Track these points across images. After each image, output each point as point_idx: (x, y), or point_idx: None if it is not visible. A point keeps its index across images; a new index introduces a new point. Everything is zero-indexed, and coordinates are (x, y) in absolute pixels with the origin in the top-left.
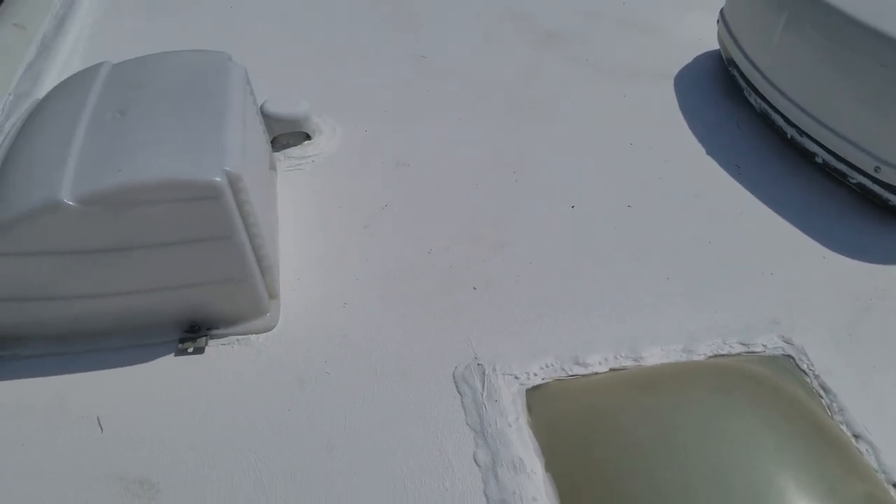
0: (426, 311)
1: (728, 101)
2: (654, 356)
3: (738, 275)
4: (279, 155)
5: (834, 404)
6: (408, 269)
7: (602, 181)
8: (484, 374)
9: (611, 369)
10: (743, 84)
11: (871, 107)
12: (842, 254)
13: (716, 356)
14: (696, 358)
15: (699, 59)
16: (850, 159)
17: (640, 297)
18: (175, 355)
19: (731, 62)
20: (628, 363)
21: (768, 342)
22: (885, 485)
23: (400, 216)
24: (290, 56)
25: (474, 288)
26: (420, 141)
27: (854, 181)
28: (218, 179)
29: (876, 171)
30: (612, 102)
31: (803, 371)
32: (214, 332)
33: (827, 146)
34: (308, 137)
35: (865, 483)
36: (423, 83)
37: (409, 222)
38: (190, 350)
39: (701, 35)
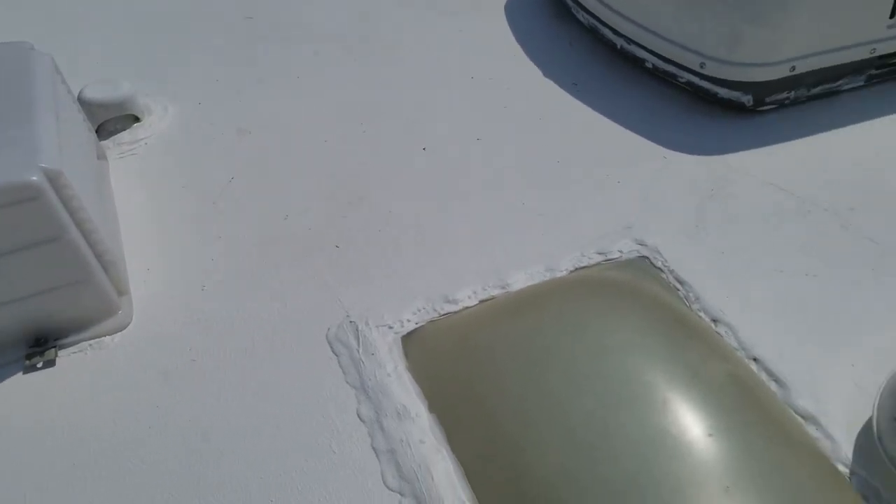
0: (290, 279)
1: (558, 22)
2: (520, 281)
3: (588, 188)
4: (108, 143)
5: (690, 294)
6: (265, 239)
7: (449, 118)
8: (357, 330)
9: (480, 301)
10: (570, 3)
11: (688, 6)
12: (681, 151)
13: (577, 269)
14: (559, 275)
15: None
16: (677, 60)
17: (500, 226)
18: (24, 373)
19: None
20: (496, 292)
21: (624, 247)
22: (746, 360)
23: (249, 186)
24: (109, 38)
25: (337, 246)
26: (259, 106)
27: (683, 80)
28: (34, 178)
29: (701, 66)
30: (448, 39)
31: (659, 268)
32: (63, 341)
33: (655, 50)
34: (137, 119)
35: (727, 363)
36: (253, 45)
37: (259, 191)
38: (39, 365)
39: None
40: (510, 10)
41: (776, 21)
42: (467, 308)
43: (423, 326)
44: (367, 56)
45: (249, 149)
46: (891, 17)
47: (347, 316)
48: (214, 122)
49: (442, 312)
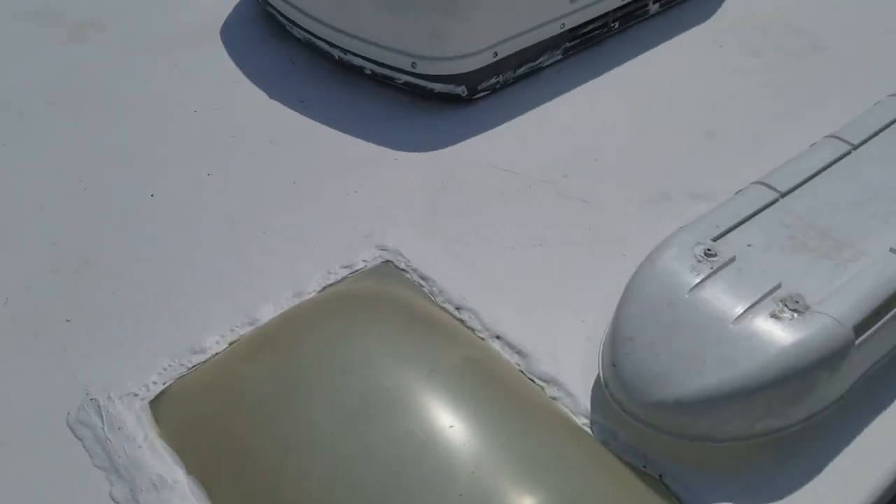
0: (21, 368)
1: (276, 41)
2: (268, 312)
3: (327, 203)
4: None
5: (434, 288)
6: None
7: (175, 158)
8: (99, 406)
9: (230, 344)
10: (282, 20)
11: (388, 11)
12: (411, 150)
13: (325, 288)
14: (307, 297)
15: (239, 8)
16: (391, 63)
17: (242, 260)
18: None
19: (266, 1)
20: (245, 330)
21: (367, 256)
22: (490, 340)
23: None
24: None
25: (68, 320)
26: None
27: (401, 81)
28: None
29: (413, 66)
30: (164, 75)
31: (402, 270)
32: None
33: (369, 57)
34: None
35: (467, 349)
36: None
37: None
38: None
39: None
40: (226, 36)
41: (469, 13)
42: (217, 354)
43: (171, 385)
44: (77, 109)
45: None
46: None
47: (87, 393)
48: None
49: (190, 365)
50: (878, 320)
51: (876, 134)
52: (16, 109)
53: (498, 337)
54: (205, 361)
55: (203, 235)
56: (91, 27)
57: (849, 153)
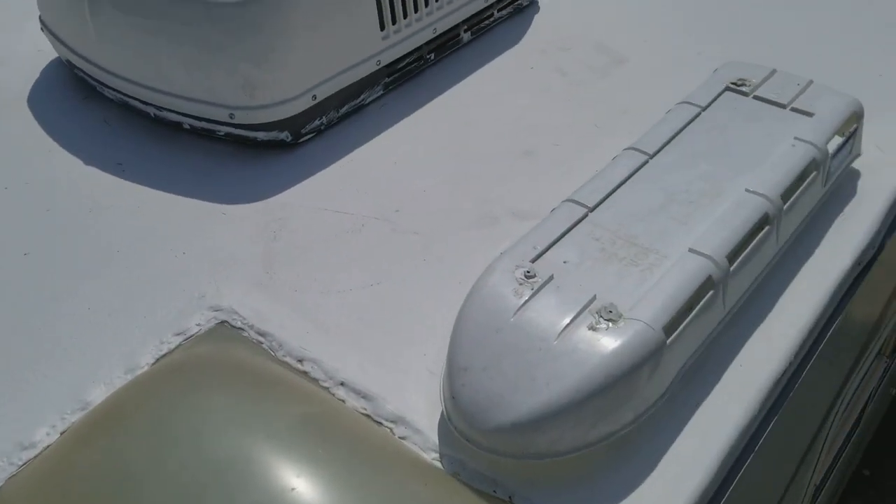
0: None
1: (89, 103)
2: (100, 394)
3: (155, 270)
4: None
5: (273, 343)
6: None
7: None
8: None
9: (62, 434)
10: (92, 82)
11: (197, 66)
12: (239, 203)
13: (159, 359)
14: (140, 372)
15: (47, 72)
16: (208, 116)
17: (70, 341)
18: None
19: (72, 64)
20: (77, 416)
21: (201, 319)
22: (334, 388)
23: None
24: None
25: None
26: None
27: (222, 133)
28: None
29: (231, 117)
30: None
31: (239, 328)
32: None
33: (185, 112)
34: None
35: (307, 403)
36: None
37: None
38: None
39: (42, 46)
40: (34, 104)
41: (280, 60)
42: (48, 447)
43: (1, 487)
44: None
45: None
46: (382, 29)
47: None
48: None
49: (20, 463)
50: (685, 318)
51: (668, 142)
52: None
53: (342, 384)
54: (35, 456)
55: (25, 320)
56: None
57: (646, 162)
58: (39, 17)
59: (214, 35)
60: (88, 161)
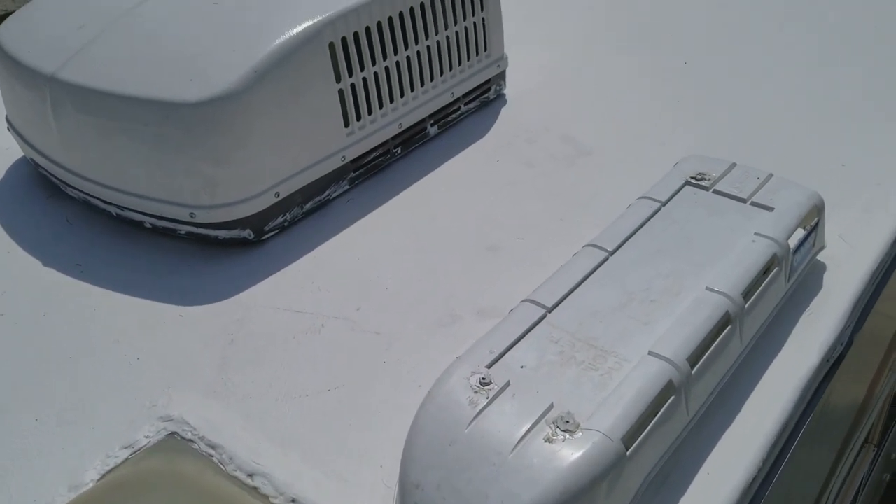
0: None
1: (53, 202)
2: None
3: (105, 378)
4: None
5: (224, 456)
6: None
7: None
8: None
9: None
10: (56, 181)
11: (157, 163)
12: (197, 304)
13: (105, 475)
14: (84, 490)
15: (12, 170)
16: (169, 216)
17: (10, 459)
18: None
19: (36, 163)
20: None
21: (150, 430)
22: None
23: None
24: None
25: None
26: None
27: (183, 232)
28: None
29: (192, 217)
30: None
31: (189, 440)
32: None
33: (146, 212)
34: None
35: None
36: None
37: None
38: None
39: (9, 144)
40: None
41: (241, 159)
42: None
43: None
44: None
45: None
46: (346, 126)
47: None
48: None
49: None
50: (646, 427)
51: (629, 238)
52: None
53: (293, 501)
54: None
55: None
56: None
57: (606, 259)
58: (6, 116)
59: (174, 135)
60: (47, 262)
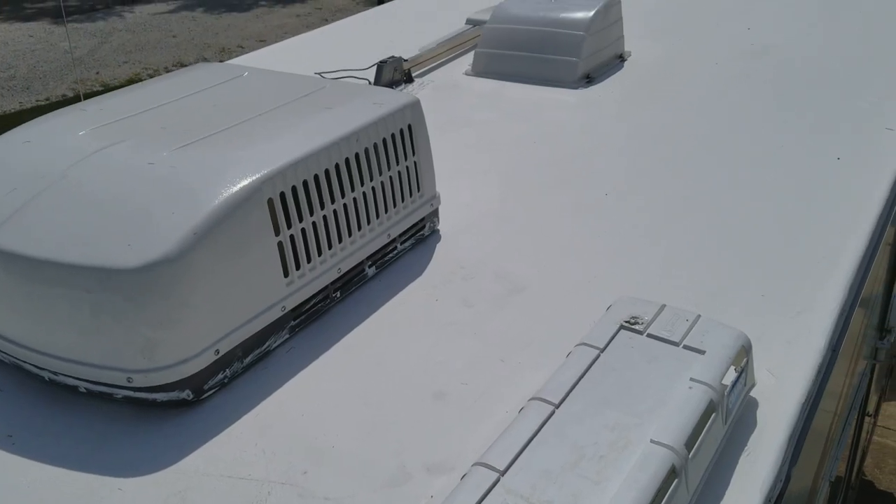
0: None
1: None
2: None
3: None
4: None
5: None
6: None
7: None
8: None
9: None
10: None
11: (93, 328)
12: (137, 475)
13: None
14: None
15: None
16: (105, 381)
17: None
18: None
19: None
20: None
21: None
22: None
23: None
24: None
25: None
26: None
27: (120, 396)
28: None
29: (129, 381)
30: None
31: None
32: None
33: (80, 377)
34: None
35: None
36: None
37: None
38: None
39: None
40: None
41: (180, 320)
42: None
43: None
44: None
45: None
46: (286, 276)
47: None
48: None
49: None
50: None
51: (572, 388)
52: None
53: None
54: None
55: None
56: None
57: (553, 414)
58: None
59: (113, 301)
60: None
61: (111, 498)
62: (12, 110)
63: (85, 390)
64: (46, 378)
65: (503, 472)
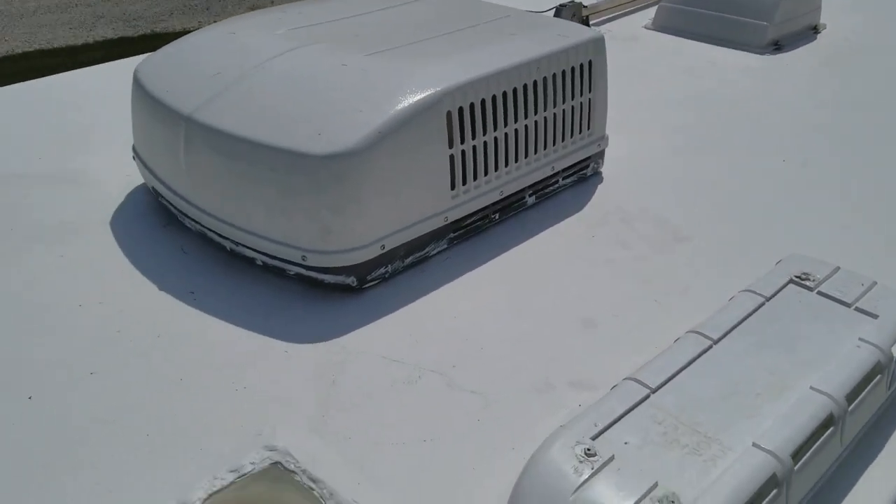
0: None
1: (169, 230)
2: None
3: (214, 403)
4: None
5: (325, 491)
6: None
7: (57, 356)
8: None
9: None
10: (174, 211)
11: (278, 206)
12: (301, 342)
13: (211, 496)
14: None
15: (132, 197)
16: (281, 256)
17: (122, 470)
18: None
19: (157, 193)
20: None
21: (255, 457)
22: None
23: None
24: None
25: None
26: None
27: (292, 272)
28: None
29: (304, 259)
30: (48, 266)
31: (292, 471)
32: None
33: (260, 250)
34: None
35: None
36: None
37: None
38: None
39: (129, 172)
40: (116, 225)
41: (357, 211)
42: None
43: None
44: None
45: None
46: (452, 189)
47: None
48: None
49: None
50: None
51: (732, 329)
52: None
53: None
54: None
55: (81, 442)
56: None
57: (710, 348)
58: (133, 147)
59: (299, 183)
60: (162, 286)
61: (278, 359)
62: (192, 28)
63: (261, 263)
64: (228, 248)
65: (654, 390)
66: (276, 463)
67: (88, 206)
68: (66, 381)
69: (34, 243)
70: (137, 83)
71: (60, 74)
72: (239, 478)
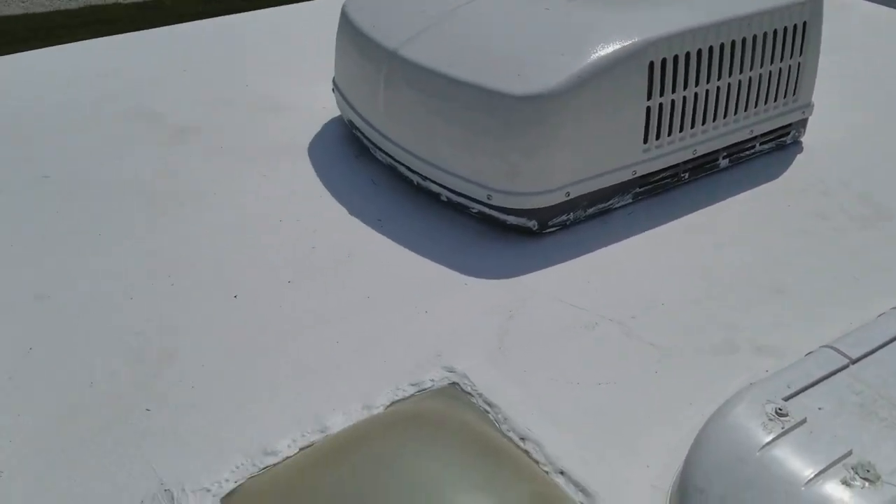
0: (99, 451)
1: (360, 161)
2: (338, 423)
3: (399, 321)
4: None
5: (500, 415)
6: (69, 412)
7: (258, 264)
8: (173, 498)
9: (301, 449)
10: (367, 143)
11: (468, 146)
12: (480, 277)
13: (393, 403)
14: (375, 412)
15: (327, 127)
16: (467, 193)
17: (316, 367)
18: None
19: (353, 124)
20: (316, 437)
21: (435, 376)
22: (553, 475)
23: (51, 356)
24: None
25: (148, 409)
26: (60, 267)
27: (475, 210)
28: None
29: (489, 198)
30: (252, 185)
31: (469, 393)
32: None
33: (446, 185)
34: None
35: (532, 482)
36: (49, 204)
37: (63, 360)
38: None
39: (326, 104)
40: (313, 153)
41: (546, 155)
42: (288, 458)
43: (243, 484)
44: (171, 208)
45: (49, 314)
46: (644, 142)
47: (162, 484)
48: (7, 287)
49: (262, 466)
50: None
51: None
52: (116, 203)
53: (562, 472)
54: (276, 464)
55: (280, 340)
56: (191, 132)
57: None
58: (333, 79)
59: (493, 122)
60: (352, 211)
61: (458, 290)
62: None
63: (446, 199)
64: (415, 182)
65: (854, 361)
66: (454, 383)
67: (287, 133)
68: (266, 287)
69: (241, 162)
70: (345, 18)
71: (269, 9)
72: (419, 392)
